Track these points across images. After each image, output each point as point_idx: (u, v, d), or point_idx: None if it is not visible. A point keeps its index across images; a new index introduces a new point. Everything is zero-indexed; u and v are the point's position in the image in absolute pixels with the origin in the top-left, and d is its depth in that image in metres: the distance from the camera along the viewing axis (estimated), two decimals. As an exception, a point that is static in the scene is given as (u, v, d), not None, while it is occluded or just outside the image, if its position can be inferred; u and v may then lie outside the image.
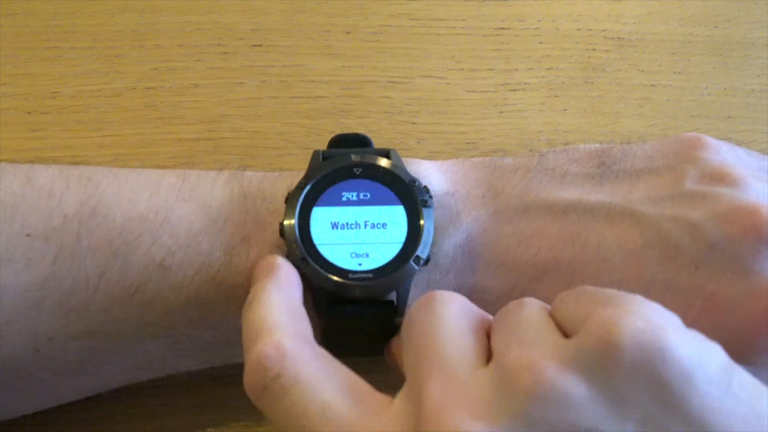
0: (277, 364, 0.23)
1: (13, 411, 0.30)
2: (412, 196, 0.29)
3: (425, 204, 0.28)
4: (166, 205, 0.28)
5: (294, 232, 0.28)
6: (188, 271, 0.28)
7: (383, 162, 0.29)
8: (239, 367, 0.33)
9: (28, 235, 0.27)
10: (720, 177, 0.29)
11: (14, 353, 0.27)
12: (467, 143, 0.39)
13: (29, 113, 0.38)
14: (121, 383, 0.31)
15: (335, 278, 0.27)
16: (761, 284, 0.27)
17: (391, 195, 0.29)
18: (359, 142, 0.31)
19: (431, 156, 0.34)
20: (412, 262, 0.28)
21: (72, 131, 0.38)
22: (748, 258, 0.27)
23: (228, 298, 0.28)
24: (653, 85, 0.41)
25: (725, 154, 0.31)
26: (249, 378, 0.23)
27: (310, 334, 0.25)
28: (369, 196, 0.29)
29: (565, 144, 0.38)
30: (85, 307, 0.27)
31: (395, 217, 0.28)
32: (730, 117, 0.41)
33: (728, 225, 0.27)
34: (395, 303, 0.28)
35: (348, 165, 0.29)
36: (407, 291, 0.28)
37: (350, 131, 0.35)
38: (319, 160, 0.29)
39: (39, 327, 0.27)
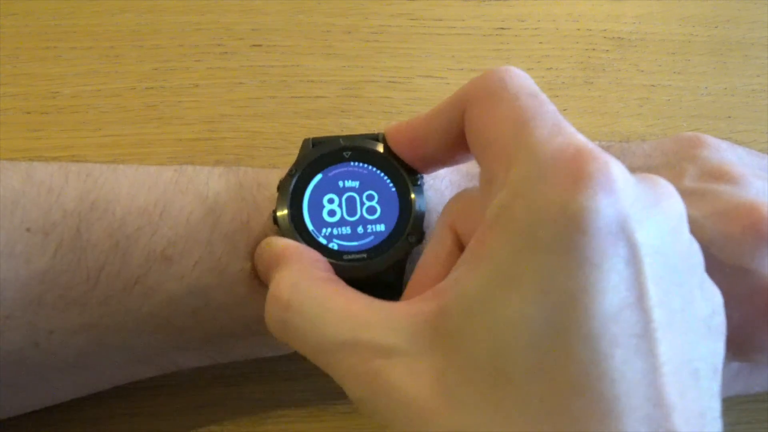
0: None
1: (13, 409, 0.30)
2: (401, 176, 0.29)
3: (415, 182, 0.29)
4: (165, 198, 0.29)
5: (287, 218, 0.28)
6: (189, 261, 0.28)
7: (372, 145, 0.29)
8: (239, 367, 0.33)
9: (28, 230, 0.27)
10: (719, 175, 0.29)
11: (14, 348, 0.27)
12: (467, 143, 0.39)
13: (29, 113, 0.38)
14: (121, 380, 0.31)
15: (330, 260, 0.27)
16: (760, 282, 0.27)
17: (381, 176, 0.29)
18: None
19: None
20: (405, 239, 0.28)
21: (72, 131, 0.38)
22: (747, 256, 0.27)
23: (231, 285, 0.29)
24: (653, 85, 0.41)
25: (725, 153, 0.31)
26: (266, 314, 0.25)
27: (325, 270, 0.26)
28: (359, 178, 0.29)
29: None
30: (86, 300, 0.27)
31: (386, 197, 0.29)
32: (730, 117, 0.41)
33: (727, 223, 0.27)
34: (392, 282, 0.28)
35: (337, 149, 0.29)
36: (403, 269, 0.28)
37: (350, 132, 0.35)
38: (309, 147, 0.30)
39: (39, 321, 0.27)
